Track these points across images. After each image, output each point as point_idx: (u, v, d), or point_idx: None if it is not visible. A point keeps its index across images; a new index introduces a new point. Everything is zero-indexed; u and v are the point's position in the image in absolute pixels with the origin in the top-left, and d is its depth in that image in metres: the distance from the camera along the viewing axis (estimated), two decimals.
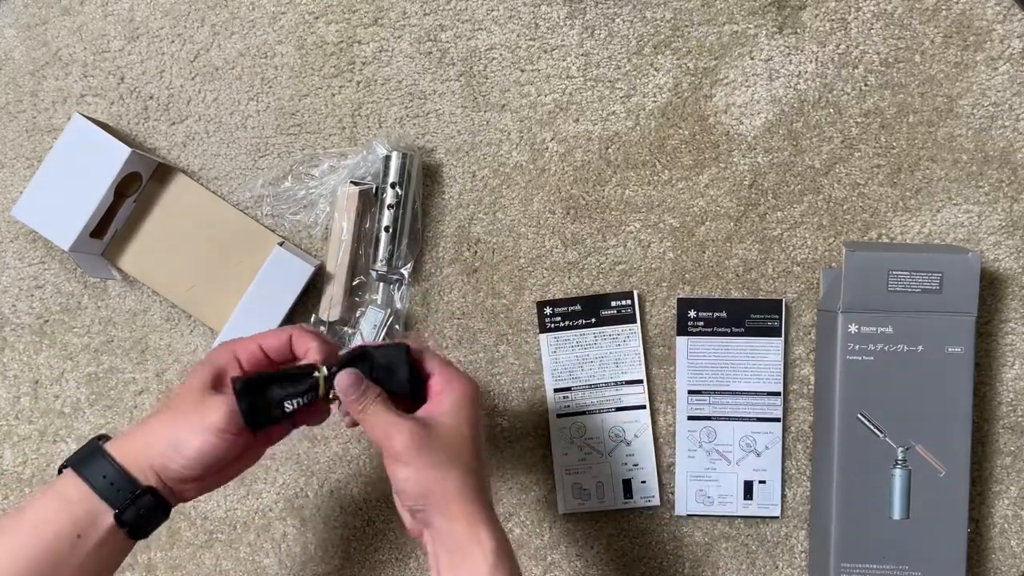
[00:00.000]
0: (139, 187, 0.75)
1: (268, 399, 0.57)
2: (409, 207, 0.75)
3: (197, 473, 0.55)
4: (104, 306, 0.78)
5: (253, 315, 0.74)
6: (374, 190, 0.75)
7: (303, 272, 0.74)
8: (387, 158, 0.74)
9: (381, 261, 0.74)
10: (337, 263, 0.75)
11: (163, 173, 0.76)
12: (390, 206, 0.74)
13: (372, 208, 0.75)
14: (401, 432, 0.54)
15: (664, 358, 0.77)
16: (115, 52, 0.77)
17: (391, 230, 0.74)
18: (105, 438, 0.57)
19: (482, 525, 0.54)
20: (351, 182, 0.75)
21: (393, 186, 0.74)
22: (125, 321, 0.77)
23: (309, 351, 0.59)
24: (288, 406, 0.57)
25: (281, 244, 0.74)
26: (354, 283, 0.76)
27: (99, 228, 0.74)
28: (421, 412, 0.57)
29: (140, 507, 0.54)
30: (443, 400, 0.57)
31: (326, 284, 0.76)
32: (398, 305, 0.76)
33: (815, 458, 0.75)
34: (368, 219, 0.76)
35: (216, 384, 0.57)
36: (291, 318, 0.75)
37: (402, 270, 0.75)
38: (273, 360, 0.59)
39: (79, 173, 0.72)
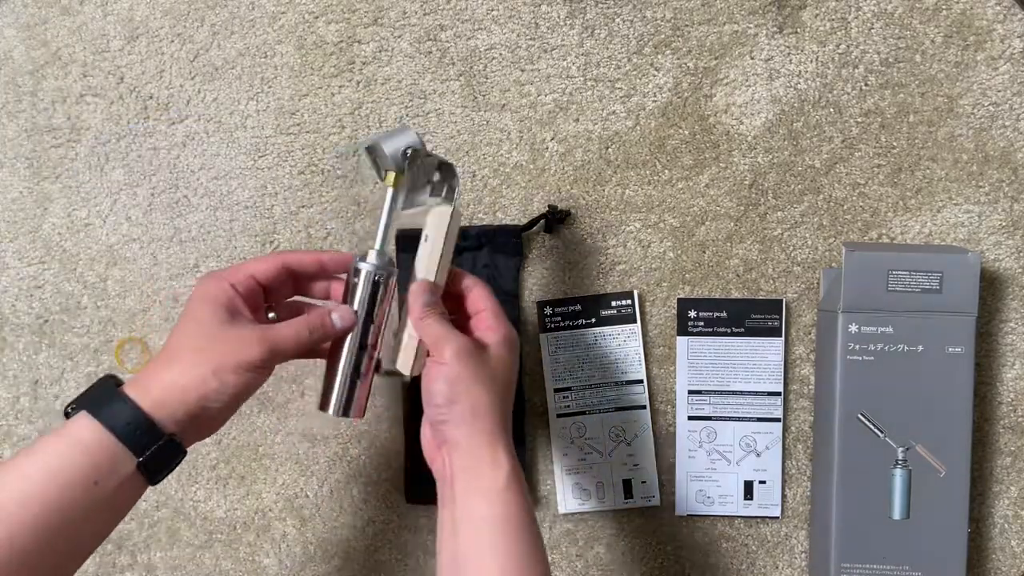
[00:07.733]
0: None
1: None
2: None
3: (234, 409, 0.56)
4: (104, 306, 0.78)
5: None
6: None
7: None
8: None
9: None
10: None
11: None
12: None
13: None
14: (453, 342, 0.57)
15: (664, 358, 0.77)
16: (115, 52, 0.77)
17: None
18: (117, 379, 0.56)
19: (501, 448, 0.56)
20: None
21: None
22: (125, 321, 0.77)
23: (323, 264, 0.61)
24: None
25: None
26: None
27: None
28: (475, 335, 0.60)
29: (163, 453, 0.53)
30: (495, 334, 0.59)
31: (402, 331, 0.61)
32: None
33: (815, 458, 0.75)
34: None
35: (231, 317, 0.56)
36: None
37: None
38: (264, 288, 0.60)
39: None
